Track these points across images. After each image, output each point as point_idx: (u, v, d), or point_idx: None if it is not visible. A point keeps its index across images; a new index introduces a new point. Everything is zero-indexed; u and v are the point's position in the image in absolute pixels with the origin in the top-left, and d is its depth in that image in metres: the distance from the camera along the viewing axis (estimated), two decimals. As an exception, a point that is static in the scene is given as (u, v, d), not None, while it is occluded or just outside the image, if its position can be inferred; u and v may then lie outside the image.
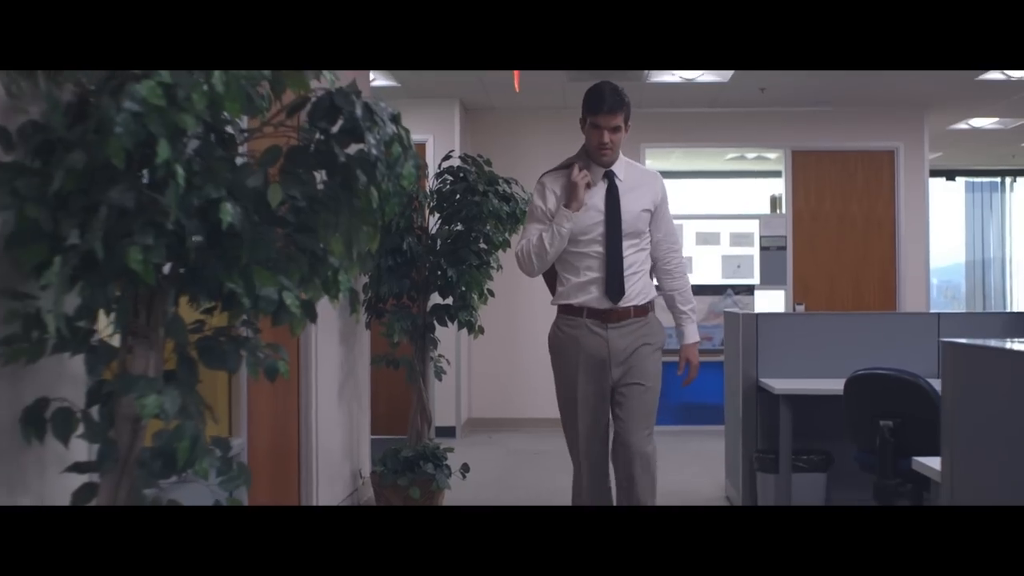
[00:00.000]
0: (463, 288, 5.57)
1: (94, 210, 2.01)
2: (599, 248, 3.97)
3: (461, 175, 5.66)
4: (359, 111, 2.35)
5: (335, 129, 2.38)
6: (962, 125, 10.29)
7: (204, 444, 2.16)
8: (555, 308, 4.14)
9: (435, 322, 5.73)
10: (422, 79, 7.92)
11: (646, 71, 7.73)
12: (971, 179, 14.25)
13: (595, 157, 3.98)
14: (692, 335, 4.15)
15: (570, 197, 3.94)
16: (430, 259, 5.64)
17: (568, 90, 8.19)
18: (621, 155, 4.06)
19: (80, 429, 2.24)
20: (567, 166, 4.03)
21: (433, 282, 5.66)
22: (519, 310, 8.64)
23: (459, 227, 5.59)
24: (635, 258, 4.01)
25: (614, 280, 3.94)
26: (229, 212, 2.09)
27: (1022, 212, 14.22)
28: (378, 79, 7.79)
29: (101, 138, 1.93)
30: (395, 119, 2.45)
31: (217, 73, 2.01)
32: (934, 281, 14.50)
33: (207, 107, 2.04)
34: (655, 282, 4.19)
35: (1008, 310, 12.91)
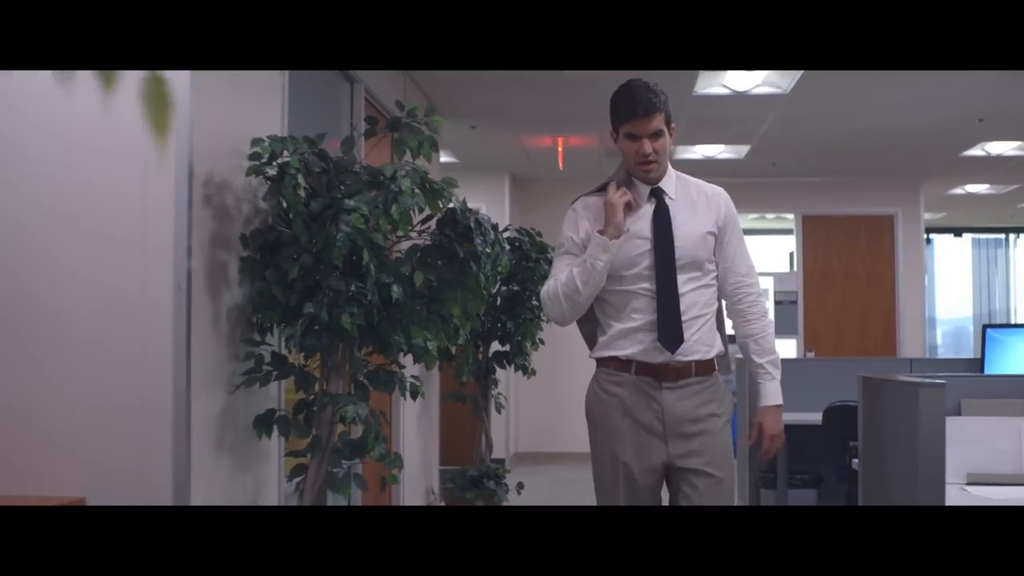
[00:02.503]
0: (519, 337, 6.78)
1: (316, 289, 3.25)
2: (648, 285, 3.05)
3: (516, 244, 6.89)
4: (472, 223, 3.60)
5: (456, 233, 3.63)
6: (958, 190, 11.44)
7: (381, 438, 3.40)
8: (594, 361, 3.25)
9: (495, 365, 6.94)
10: (477, 153, 9.17)
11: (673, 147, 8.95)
12: (977, 235, 15.35)
13: (637, 175, 3.11)
14: (772, 395, 3.17)
15: (606, 220, 3.04)
16: (491, 313, 6.86)
17: (604, 163, 9.42)
18: (671, 169, 3.19)
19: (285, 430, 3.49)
20: (603, 187, 3.15)
21: (494, 332, 6.87)
22: (561, 352, 9.77)
23: (515, 287, 6.81)
24: (696, 296, 3.08)
25: (669, 324, 3.02)
26: (396, 291, 3.33)
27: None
28: (441, 156, 9.06)
29: (327, 248, 3.18)
30: (495, 227, 3.70)
31: (395, 206, 3.26)
32: (946, 329, 15.61)
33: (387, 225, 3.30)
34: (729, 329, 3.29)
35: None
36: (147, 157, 3.00)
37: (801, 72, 6.44)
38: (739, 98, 7.06)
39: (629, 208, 3.07)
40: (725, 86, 6.84)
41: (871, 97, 7.21)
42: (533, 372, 7.03)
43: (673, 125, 3.12)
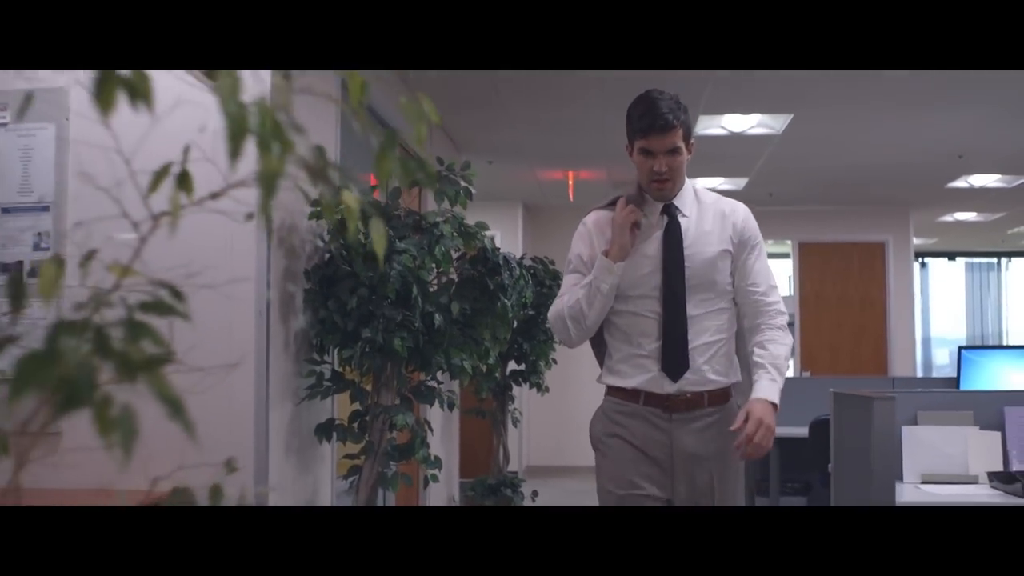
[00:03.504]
0: (534, 357, 7.39)
1: (371, 317, 3.86)
2: (656, 307, 2.91)
3: (532, 272, 7.51)
4: (500, 260, 4.21)
5: (487, 268, 4.24)
6: (948, 218, 12.06)
7: (425, 443, 4.01)
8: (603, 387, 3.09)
9: (512, 383, 7.55)
10: (493, 186, 9.78)
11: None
12: (970, 259, 15.97)
13: (650, 192, 2.97)
14: (766, 390, 2.87)
15: (612, 240, 2.92)
16: (510, 336, 7.48)
17: (612, 195, 10.03)
18: (689, 183, 3.03)
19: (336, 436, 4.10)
20: (614, 201, 3.03)
21: (511, 352, 7.48)
22: (570, 370, 10.39)
23: (531, 312, 7.42)
24: (709, 321, 2.92)
25: (674, 351, 2.87)
26: (438, 319, 3.94)
27: (1016, 290, 15.91)
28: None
29: (382, 282, 3.79)
30: (519, 262, 4.32)
31: (437, 247, 3.87)
32: (952, 349, 16.15)
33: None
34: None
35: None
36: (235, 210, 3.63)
37: (792, 115, 7.07)
38: (736, 138, 7.69)
39: (637, 227, 2.92)
40: (723, 127, 7.46)
41: (857, 137, 7.84)
42: (547, 389, 7.64)
43: (693, 140, 2.95)
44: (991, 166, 9.05)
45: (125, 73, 0.99)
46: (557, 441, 10.97)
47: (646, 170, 2.93)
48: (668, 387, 2.90)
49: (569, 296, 2.98)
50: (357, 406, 4.09)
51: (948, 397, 4.17)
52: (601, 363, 3.11)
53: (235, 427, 3.69)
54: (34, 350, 0.99)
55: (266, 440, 3.69)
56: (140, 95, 0.94)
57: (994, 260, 15.95)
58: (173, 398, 0.99)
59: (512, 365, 7.63)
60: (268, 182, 1.02)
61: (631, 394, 2.95)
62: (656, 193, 2.97)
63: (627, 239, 2.90)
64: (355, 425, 4.08)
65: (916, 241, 13.86)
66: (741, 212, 3.05)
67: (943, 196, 10.41)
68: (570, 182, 9.40)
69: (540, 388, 7.58)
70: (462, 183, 4.05)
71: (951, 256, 15.91)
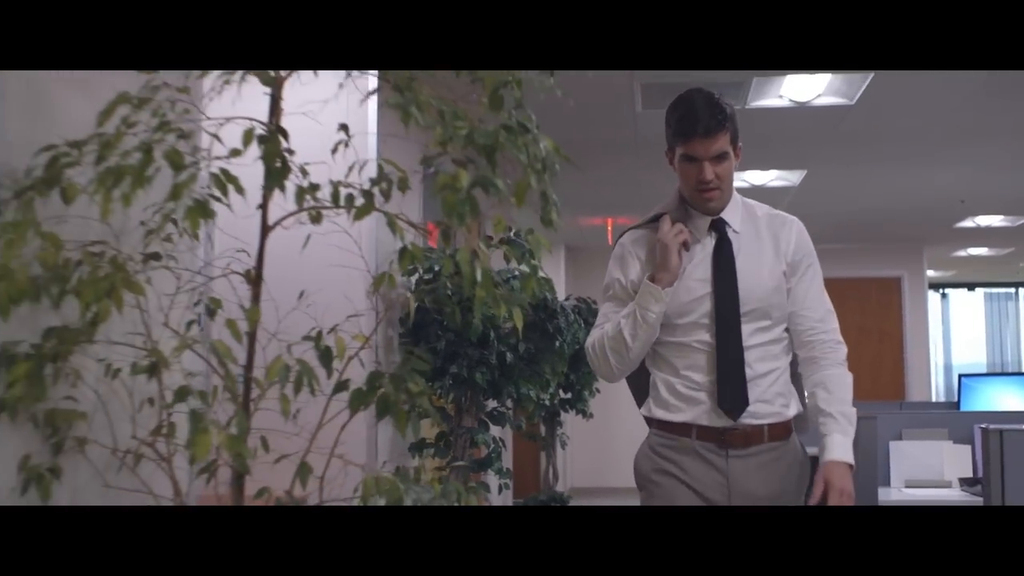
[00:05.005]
0: (579, 387, 8.31)
1: (456, 355, 4.81)
2: (706, 337, 2.59)
3: (576, 311, 8.44)
4: (557, 307, 5.15)
5: (547, 314, 5.18)
6: (961, 253, 12.89)
7: (500, 457, 4.95)
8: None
9: (560, 409, 8.48)
10: (538, 231, 10.72)
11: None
12: (988, 290, 16.74)
13: (696, 203, 2.62)
14: (838, 449, 2.51)
15: (659, 264, 2.58)
16: (556, 367, 8.42)
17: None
18: (737, 195, 2.68)
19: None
20: (656, 218, 2.67)
21: (552, 381, 8.43)
22: (610, 395, 11.23)
23: (578, 346, 8.36)
24: (765, 349, 2.60)
25: (732, 386, 2.56)
26: (509, 357, 4.88)
27: (1034, 319, 16.69)
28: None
29: (466, 328, 4.73)
30: (575, 310, 5.25)
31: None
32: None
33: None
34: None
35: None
36: (350, 272, 4.59)
37: (806, 171, 8.00)
38: (757, 190, 8.61)
39: (685, 248, 2.56)
40: (745, 180, 8.39)
41: (865, 187, 8.76)
42: (591, 415, 8.56)
43: (740, 144, 2.58)
44: (993, 208, 9.91)
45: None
46: (599, 464, 11.86)
47: (691, 179, 2.54)
48: (724, 420, 2.53)
49: (610, 326, 2.62)
50: (443, 428, 5.03)
51: (926, 416, 5.06)
52: (637, 397, 2.77)
53: (353, 445, 4.65)
54: (361, 388, 1.95)
55: (375, 454, 4.64)
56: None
57: (1012, 290, 16.69)
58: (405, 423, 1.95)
59: (560, 393, 8.56)
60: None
61: (682, 428, 2.58)
62: (703, 205, 2.58)
63: (676, 261, 2.53)
64: (441, 443, 5.02)
65: (935, 273, 14.70)
66: (795, 227, 2.69)
67: (953, 234, 11.26)
68: (609, 227, 10.34)
69: (585, 414, 8.49)
70: (527, 245, 5.00)
71: (970, 287, 16.68)
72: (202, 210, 1.83)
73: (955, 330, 16.83)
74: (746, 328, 2.57)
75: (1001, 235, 11.29)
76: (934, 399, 13.39)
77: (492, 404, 5.27)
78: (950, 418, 5.19)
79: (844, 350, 2.66)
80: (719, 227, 2.63)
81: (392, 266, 2.31)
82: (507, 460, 8.45)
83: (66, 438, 2.12)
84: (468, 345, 4.77)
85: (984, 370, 16.67)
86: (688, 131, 2.52)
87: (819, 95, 5.96)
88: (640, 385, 2.77)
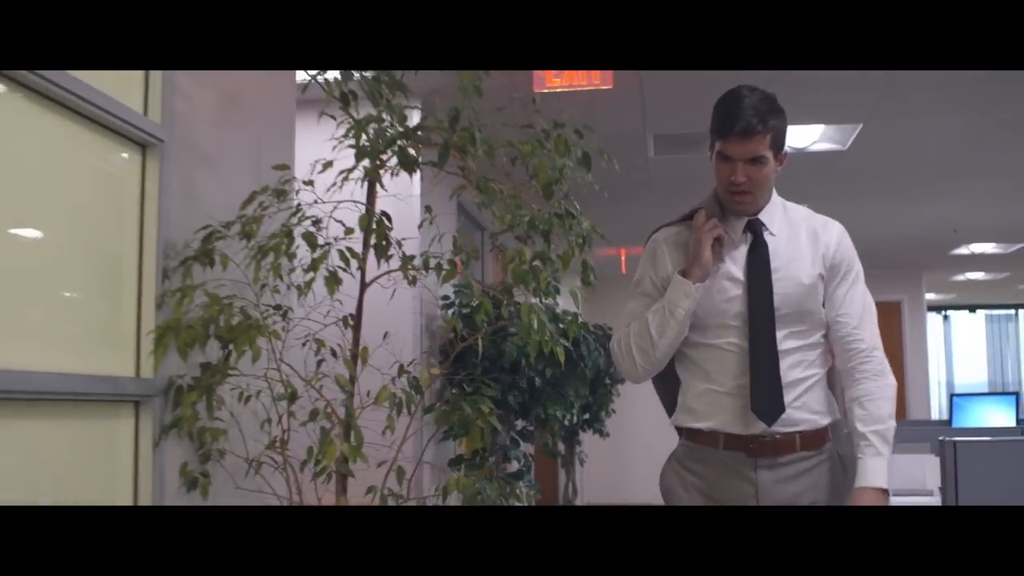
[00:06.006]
0: (596, 407, 8.91)
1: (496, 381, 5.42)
2: (737, 340, 2.45)
3: (594, 338, 9.06)
4: (580, 336, 5.76)
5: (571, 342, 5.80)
6: (960, 277, 13.48)
7: (530, 471, 5.55)
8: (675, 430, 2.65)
9: (579, 429, 9.07)
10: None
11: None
12: (989, 312, 17.29)
13: (727, 204, 2.49)
14: (873, 474, 2.37)
15: (691, 258, 2.46)
16: (575, 389, 9.02)
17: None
18: (777, 197, 2.56)
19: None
20: (691, 215, 2.55)
21: (576, 403, 9.02)
22: (625, 414, 11.83)
23: (599, 371, 8.97)
24: (800, 355, 2.47)
25: (766, 389, 2.41)
26: (538, 381, 5.49)
27: (1033, 339, 17.24)
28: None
29: (499, 356, 5.34)
30: (593, 336, 5.86)
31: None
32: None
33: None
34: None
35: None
36: (404, 312, 5.22)
37: (806, 204, 8.60)
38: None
39: (719, 243, 2.45)
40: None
41: (863, 220, 9.36)
42: (608, 434, 9.16)
43: (785, 152, 2.45)
44: (985, 237, 10.51)
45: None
46: (614, 480, 12.43)
47: (724, 179, 2.43)
48: (753, 427, 2.39)
49: (638, 323, 2.50)
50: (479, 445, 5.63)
51: (916, 432, 5.66)
52: (665, 404, 2.65)
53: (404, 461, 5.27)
54: (445, 408, 2.57)
55: (420, 471, 5.24)
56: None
57: (1012, 311, 17.24)
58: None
59: (579, 414, 9.17)
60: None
61: (708, 437, 2.45)
62: (733, 206, 2.46)
63: (708, 257, 2.42)
64: (476, 459, 5.62)
65: (936, 296, 15.27)
66: (836, 232, 2.59)
67: (950, 260, 11.85)
68: (623, 257, 10.96)
69: (602, 433, 9.09)
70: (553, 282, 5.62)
71: (971, 309, 17.23)
72: (335, 279, 2.45)
73: (957, 351, 17.38)
74: (780, 332, 2.41)
75: (996, 261, 11.87)
76: (935, 417, 13.95)
77: (520, 424, 5.88)
78: (938, 433, 5.78)
79: (880, 356, 2.49)
80: (755, 228, 2.47)
81: (451, 315, 2.90)
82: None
83: (211, 450, 2.74)
84: (501, 371, 5.39)
85: (986, 389, 17.21)
86: (726, 129, 2.38)
87: (814, 142, 6.59)
88: (670, 394, 2.61)
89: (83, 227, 2.44)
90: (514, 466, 5.95)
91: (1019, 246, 10.86)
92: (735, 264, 2.45)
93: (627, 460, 12.16)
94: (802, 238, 2.52)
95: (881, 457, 2.37)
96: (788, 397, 2.40)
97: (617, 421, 11.37)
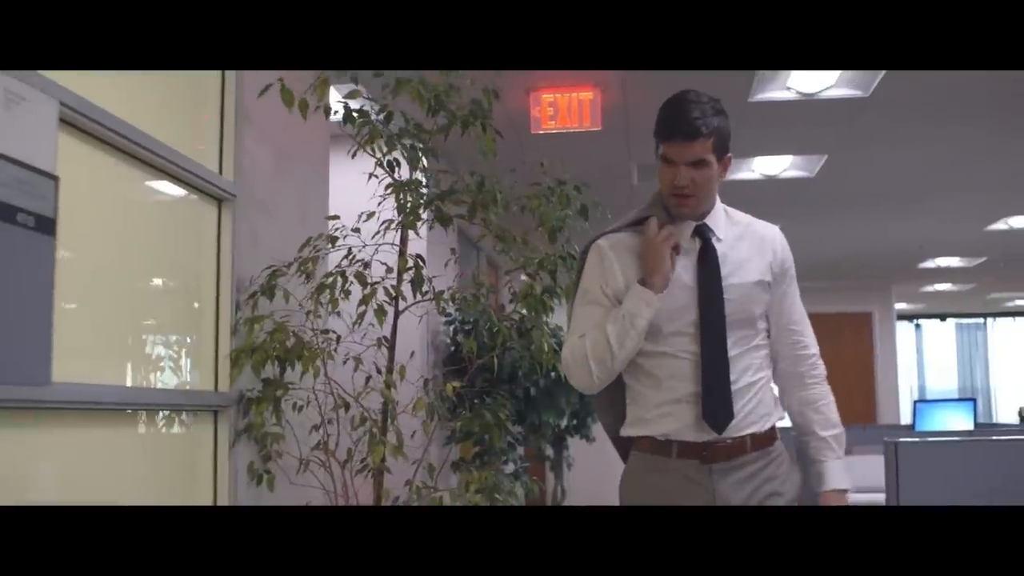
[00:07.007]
0: (583, 414, 9.48)
1: (491, 390, 5.98)
2: (690, 346, 2.44)
3: (580, 347, 9.64)
4: (571, 350, 6.34)
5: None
6: (929, 288, 14.12)
7: (526, 472, 6.12)
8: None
9: (566, 434, 9.65)
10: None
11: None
12: (959, 320, 17.96)
13: (670, 207, 2.45)
14: (838, 478, 2.53)
15: (651, 268, 2.41)
16: (563, 397, 9.59)
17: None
18: (719, 203, 2.52)
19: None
20: (637, 221, 2.50)
21: (566, 410, 9.60)
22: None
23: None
24: (749, 360, 2.47)
25: (717, 395, 2.42)
26: (532, 390, 6.06)
27: (1000, 347, 17.88)
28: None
29: (499, 368, 5.90)
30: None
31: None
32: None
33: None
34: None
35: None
36: (411, 329, 5.78)
37: (778, 225, 9.20)
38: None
39: (676, 252, 2.43)
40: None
41: (834, 238, 10.00)
42: (594, 439, 9.74)
43: (729, 156, 2.43)
44: (950, 252, 11.15)
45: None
46: (599, 483, 12.99)
47: (667, 182, 2.40)
48: (705, 434, 2.40)
49: (593, 335, 2.42)
50: (477, 449, 6.19)
51: (868, 434, 6.25)
52: (608, 416, 2.65)
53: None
54: (470, 415, 3.14)
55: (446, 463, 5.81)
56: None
57: (981, 320, 17.91)
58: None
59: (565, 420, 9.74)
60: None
61: (662, 446, 2.44)
62: (677, 210, 2.43)
63: (668, 266, 2.39)
64: (477, 461, 6.18)
65: (907, 306, 15.93)
66: (779, 238, 2.59)
67: (918, 273, 12.49)
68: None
69: (588, 438, 9.67)
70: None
71: (942, 318, 17.89)
72: (382, 311, 3.02)
73: (928, 358, 18.06)
74: (731, 337, 2.42)
75: (961, 273, 12.52)
76: (904, 422, 14.57)
77: (517, 429, 6.45)
78: (898, 436, 6.37)
79: (822, 365, 2.65)
80: (703, 233, 2.45)
81: (470, 339, 3.48)
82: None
83: (271, 451, 3.29)
84: (500, 382, 5.95)
85: (956, 395, 17.86)
86: (669, 132, 2.36)
87: (784, 170, 7.19)
88: (615, 407, 2.58)
89: (172, 268, 3.01)
90: (510, 467, 6.52)
91: (982, 259, 11.50)
92: (685, 271, 2.43)
93: (612, 463, 12.70)
94: (748, 244, 2.50)
95: (841, 460, 2.52)
96: (739, 402, 2.41)
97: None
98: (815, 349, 2.62)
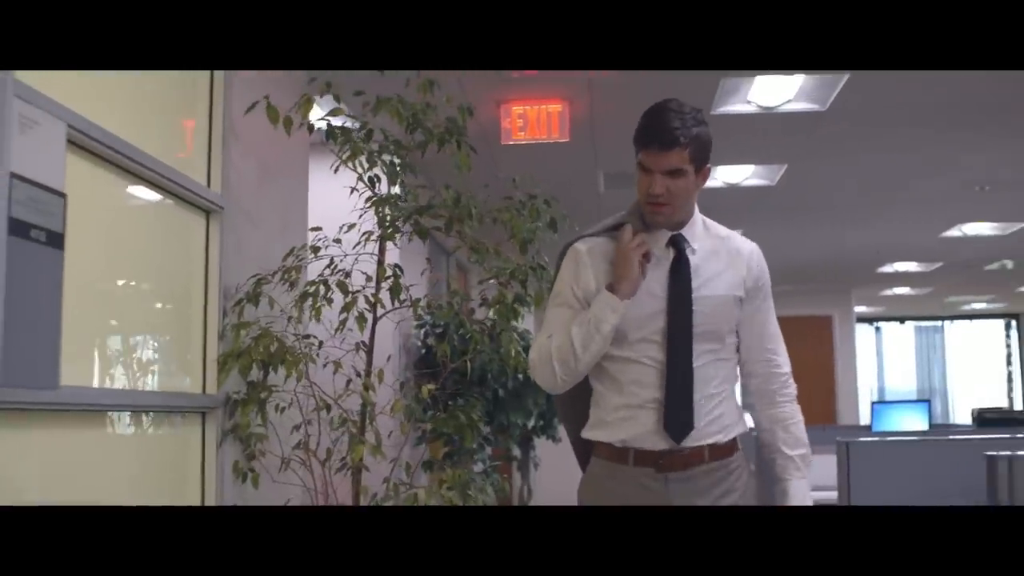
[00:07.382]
0: (550, 414, 9.68)
1: (461, 392, 6.16)
2: (656, 354, 2.45)
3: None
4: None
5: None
6: (888, 292, 14.44)
7: (495, 472, 6.31)
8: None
9: (533, 435, 9.85)
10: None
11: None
12: (918, 323, 18.34)
13: (646, 215, 2.47)
14: (799, 496, 2.54)
15: (619, 274, 2.43)
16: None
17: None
18: (698, 214, 2.54)
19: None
20: (614, 227, 2.52)
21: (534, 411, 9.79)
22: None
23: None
24: (714, 371, 2.48)
25: (678, 405, 2.43)
26: (500, 392, 6.24)
27: (957, 349, 18.28)
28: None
29: (470, 371, 6.09)
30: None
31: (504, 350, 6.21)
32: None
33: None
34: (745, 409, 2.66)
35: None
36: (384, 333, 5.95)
37: (741, 229, 9.44)
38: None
39: (647, 260, 2.44)
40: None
41: (794, 244, 10.26)
42: (560, 439, 9.94)
43: (708, 166, 2.45)
44: (907, 257, 11.45)
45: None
46: (564, 483, 13.18)
47: (643, 190, 2.42)
48: (663, 442, 2.42)
49: (559, 336, 2.45)
50: (449, 448, 6.37)
51: (824, 435, 6.47)
52: (570, 419, 2.70)
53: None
54: (444, 416, 3.32)
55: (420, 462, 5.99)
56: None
57: (939, 323, 18.29)
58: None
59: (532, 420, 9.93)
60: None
61: (620, 453, 2.47)
62: (652, 218, 2.45)
63: (637, 274, 2.41)
64: (447, 461, 6.36)
65: (867, 309, 16.26)
66: (756, 254, 2.58)
67: (877, 277, 12.80)
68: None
69: (554, 439, 9.87)
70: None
71: (901, 320, 18.27)
72: (363, 318, 3.20)
73: (888, 360, 18.42)
74: (697, 348, 2.43)
75: (919, 277, 12.83)
76: (863, 423, 14.89)
77: (486, 430, 6.62)
78: (855, 436, 6.60)
79: (793, 384, 2.68)
80: (678, 243, 2.46)
81: (443, 343, 3.66)
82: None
83: (255, 451, 3.46)
84: (470, 384, 6.13)
85: (915, 396, 18.22)
86: (646, 140, 2.38)
87: (746, 178, 7.42)
88: (576, 408, 2.62)
89: (163, 276, 3.17)
90: (479, 467, 6.69)
91: (939, 264, 11.81)
92: (656, 281, 2.44)
93: (577, 464, 12.92)
94: (722, 258, 2.50)
95: (805, 480, 2.52)
96: (700, 412, 2.42)
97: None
98: (788, 368, 2.64)
